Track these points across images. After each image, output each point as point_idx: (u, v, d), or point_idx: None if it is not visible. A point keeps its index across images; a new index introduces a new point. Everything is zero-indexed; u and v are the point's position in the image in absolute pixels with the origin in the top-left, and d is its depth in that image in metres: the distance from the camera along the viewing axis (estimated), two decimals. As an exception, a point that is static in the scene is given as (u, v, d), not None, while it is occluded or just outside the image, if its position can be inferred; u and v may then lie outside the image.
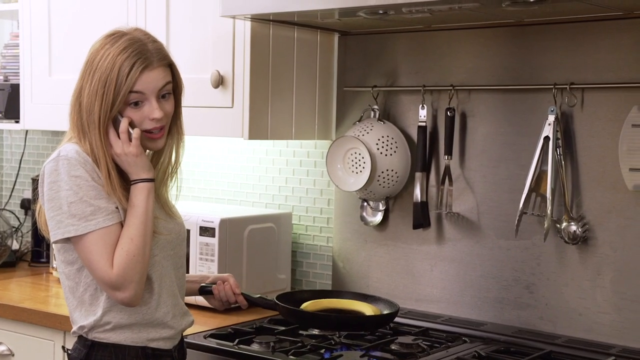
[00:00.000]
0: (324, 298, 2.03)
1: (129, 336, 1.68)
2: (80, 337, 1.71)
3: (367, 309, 1.96)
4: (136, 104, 1.65)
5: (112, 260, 1.61)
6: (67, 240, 1.64)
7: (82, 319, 1.68)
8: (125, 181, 1.68)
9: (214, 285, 1.92)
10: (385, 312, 1.96)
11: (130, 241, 1.61)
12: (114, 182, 1.64)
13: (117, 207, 1.65)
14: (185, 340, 1.96)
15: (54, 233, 1.63)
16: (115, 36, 1.66)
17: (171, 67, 1.70)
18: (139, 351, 1.69)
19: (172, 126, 1.74)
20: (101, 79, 1.62)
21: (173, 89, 1.71)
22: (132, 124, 1.66)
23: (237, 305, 1.95)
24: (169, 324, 1.72)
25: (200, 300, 2.36)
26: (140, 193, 1.65)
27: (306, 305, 1.96)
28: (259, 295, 1.95)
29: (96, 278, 1.63)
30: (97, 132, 1.64)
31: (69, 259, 1.67)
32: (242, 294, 1.92)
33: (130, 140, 1.64)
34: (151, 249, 1.66)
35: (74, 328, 1.71)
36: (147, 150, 1.75)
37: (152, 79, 1.64)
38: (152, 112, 1.65)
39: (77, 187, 1.61)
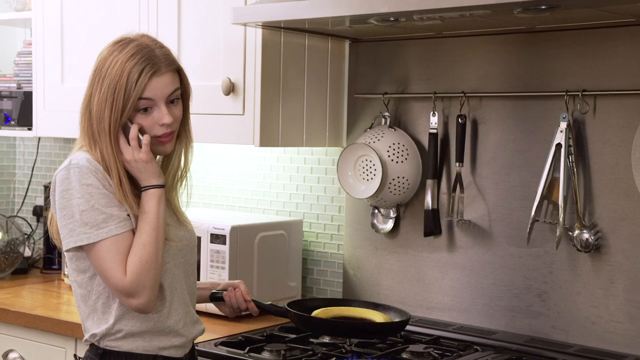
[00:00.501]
0: (335, 306, 2.02)
1: (140, 344, 1.68)
2: (92, 345, 1.71)
3: (378, 317, 1.95)
4: (145, 110, 1.65)
5: (125, 268, 1.61)
6: (80, 248, 1.64)
7: (94, 327, 1.69)
8: (136, 188, 1.68)
9: (224, 292, 1.91)
10: (397, 319, 1.96)
11: (142, 248, 1.62)
12: (125, 189, 1.64)
13: (128, 215, 1.65)
14: (195, 348, 1.96)
15: (67, 241, 1.64)
16: (122, 43, 1.66)
17: (179, 72, 1.70)
18: (150, 359, 1.69)
19: (181, 131, 1.74)
20: (110, 86, 1.62)
21: (181, 94, 1.71)
22: (141, 130, 1.66)
23: (247, 312, 1.94)
24: (180, 332, 1.72)
25: (210, 307, 2.36)
26: (151, 199, 1.65)
27: (317, 313, 1.95)
28: (270, 302, 1.94)
29: (109, 286, 1.63)
30: (107, 139, 1.64)
31: (81, 267, 1.67)
32: (253, 300, 1.92)
33: (140, 146, 1.65)
34: (163, 255, 1.66)
35: (86, 336, 1.71)
36: (157, 156, 1.75)
37: (161, 85, 1.64)
38: (162, 117, 1.65)
39: (89, 195, 1.61)
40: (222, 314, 1.97)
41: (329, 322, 1.92)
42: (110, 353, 1.68)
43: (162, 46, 1.69)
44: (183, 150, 1.76)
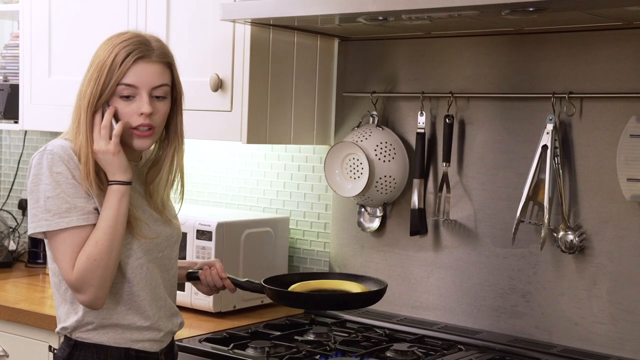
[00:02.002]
0: (313, 280, 1.99)
1: (111, 337, 1.67)
2: (65, 336, 1.71)
3: (355, 288, 1.92)
4: (127, 97, 1.63)
5: (75, 262, 1.60)
6: (44, 234, 1.63)
7: (64, 318, 1.68)
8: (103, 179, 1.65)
9: (200, 271, 1.89)
10: (374, 289, 1.93)
11: (94, 244, 1.59)
12: (91, 176, 1.61)
13: (95, 209, 1.63)
14: (179, 343, 1.96)
15: (30, 226, 1.64)
16: (122, 32, 1.67)
17: (171, 69, 1.68)
18: (122, 352, 1.67)
19: (171, 132, 1.72)
20: (98, 65, 1.62)
21: (173, 94, 1.69)
22: (116, 117, 1.63)
23: (225, 289, 1.91)
24: (153, 326, 1.70)
25: (195, 303, 2.36)
26: (112, 195, 1.62)
27: (294, 287, 1.92)
28: (246, 279, 1.91)
29: (62, 276, 1.63)
30: (85, 117, 1.62)
31: None
32: (228, 277, 1.89)
33: (110, 137, 1.62)
34: (119, 254, 1.62)
35: (58, 328, 1.71)
36: (151, 152, 1.74)
37: (147, 73, 1.62)
38: (141, 106, 1.62)
39: (56, 183, 1.60)
40: (200, 292, 1.94)
41: (303, 295, 1.88)
42: (81, 345, 1.67)
43: (160, 42, 1.68)
44: (173, 152, 1.72)
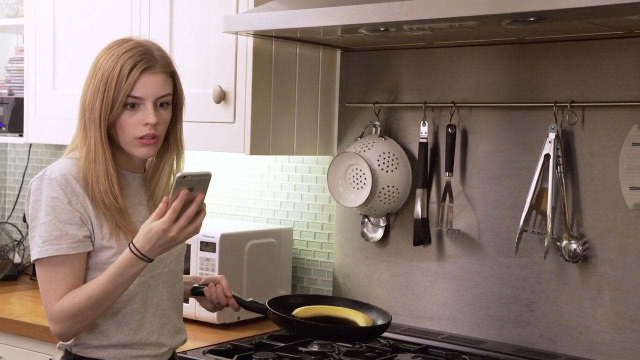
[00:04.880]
0: (317, 304, 1.98)
1: (111, 352, 1.67)
2: (65, 350, 1.71)
3: (359, 318, 1.91)
4: (132, 106, 1.62)
5: (60, 295, 1.59)
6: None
7: None
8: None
9: (205, 287, 1.87)
10: (378, 322, 1.92)
11: (86, 299, 1.58)
12: (113, 181, 1.62)
13: (86, 237, 1.61)
14: (183, 356, 1.96)
15: (31, 253, 1.64)
16: (122, 40, 1.67)
17: (173, 78, 1.68)
18: None
19: (171, 140, 1.72)
20: (103, 77, 1.61)
21: (174, 101, 1.69)
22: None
23: (228, 307, 1.90)
24: (154, 343, 1.70)
25: (199, 314, 2.36)
26: (130, 261, 1.56)
27: (298, 312, 1.91)
28: (251, 299, 1.90)
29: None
30: (97, 129, 1.62)
31: None
32: (233, 296, 1.87)
33: (175, 219, 1.54)
34: (107, 310, 1.62)
35: (58, 343, 1.71)
36: (148, 160, 1.73)
37: (153, 84, 1.62)
38: (147, 117, 1.62)
39: (51, 209, 1.60)
40: (204, 308, 1.92)
41: (307, 324, 1.87)
42: (80, 359, 1.67)
43: (161, 50, 1.68)
44: (174, 160, 1.73)
